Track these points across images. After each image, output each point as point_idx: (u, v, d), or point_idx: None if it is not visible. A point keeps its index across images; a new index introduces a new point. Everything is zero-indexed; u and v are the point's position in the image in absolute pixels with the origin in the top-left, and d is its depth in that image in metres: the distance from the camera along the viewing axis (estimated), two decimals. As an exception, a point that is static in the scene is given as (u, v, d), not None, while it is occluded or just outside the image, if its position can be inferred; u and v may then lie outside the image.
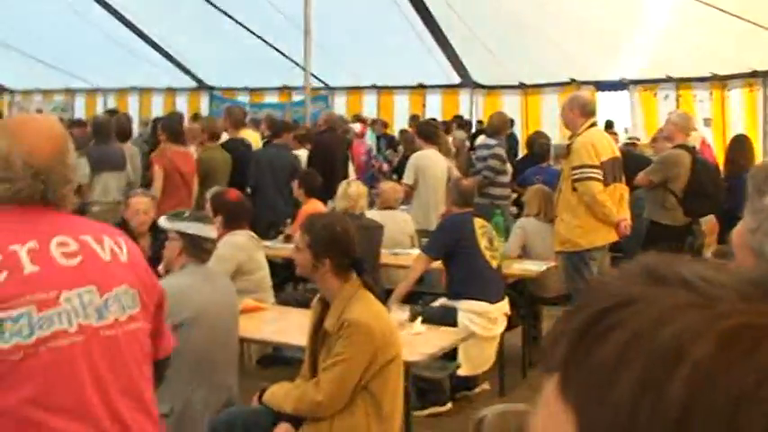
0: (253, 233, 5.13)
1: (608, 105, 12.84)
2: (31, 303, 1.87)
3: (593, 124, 5.85)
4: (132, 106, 16.49)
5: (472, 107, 14.44)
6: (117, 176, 7.33)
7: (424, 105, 14.69)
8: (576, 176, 5.58)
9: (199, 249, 3.73)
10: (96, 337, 1.97)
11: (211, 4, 13.12)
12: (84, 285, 1.97)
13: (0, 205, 2.00)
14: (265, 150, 8.36)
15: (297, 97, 14.53)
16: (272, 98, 16.01)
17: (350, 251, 3.32)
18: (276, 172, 7.60)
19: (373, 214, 6.23)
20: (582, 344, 0.50)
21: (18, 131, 2.04)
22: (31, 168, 1.97)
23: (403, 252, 6.24)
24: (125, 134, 8.33)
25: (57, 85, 17.23)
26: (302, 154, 8.46)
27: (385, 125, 13.85)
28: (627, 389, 0.47)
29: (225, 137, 8.30)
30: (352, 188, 5.92)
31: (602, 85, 12.70)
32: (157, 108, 16.08)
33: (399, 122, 13.91)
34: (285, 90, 15.61)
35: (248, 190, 7.42)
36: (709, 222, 6.69)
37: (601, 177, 5.56)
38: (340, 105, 14.70)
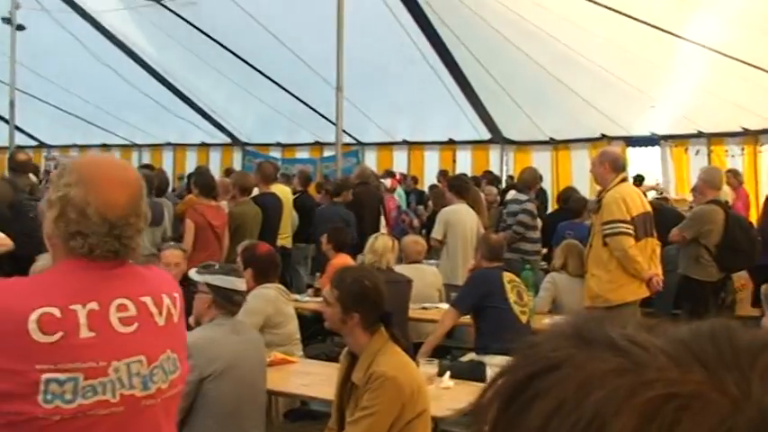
0: (282, 286, 5.15)
1: (639, 160, 12.80)
2: (80, 371, 1.84)
3: (624, 179, 5.84)
4: (167, 161, 16.77)
5: (502, 163, 14.46)
6: (153, 231, 7.44)
7: (454, 161, 14.74)
8: (606, 231, 5.55)
9: (228, 302, 3.75)
10: (136, 407, 1.93)
11: (245, 62, 13.39)
12: (135, 356, 1.93)
13: (69, 258, 1.94)
14: (326, 208, 8.64)
15: (328, 152, 14.67)
16: (303, 154, 16.18)
17: (379, 305, 3.31)
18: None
19: (402, 268, 6.22)
20: (509, 412, 0.50)
21: (93, 180, 1.92)
22: (106, 223, 1.89)
23: (431, 306, 6.22)
24: (162, 189, 8.52)
25: (93, 140, 17.57)
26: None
27: (415, 180, 13.91)
28: None
29: (256, 191, 8.38)
30: (378, 242, 5.93)
31: (632, 141, 12.67)
32: (191, 163, 16.32)
33: (429, 178, 13.96)
34: (317, 146, 15.78)
35: (278, 243, 7.48)
36: (741, 278, 6.62)
37: (632, 232, 5.53)
38: (371, 160, 14.82)
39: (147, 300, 1.99)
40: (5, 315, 1.83)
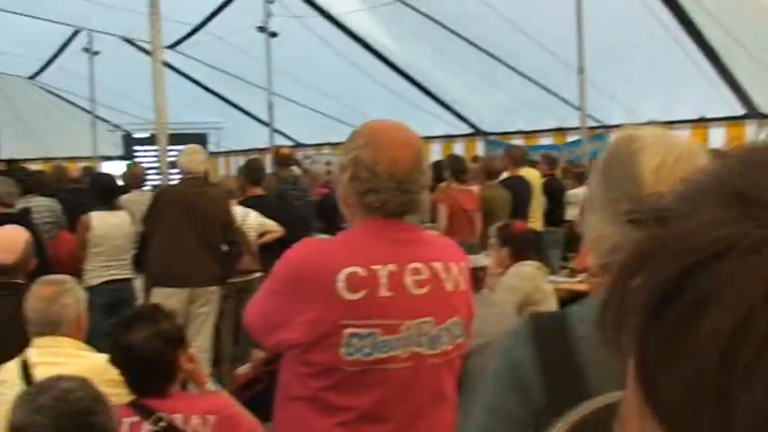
0: (540, 264, 5.11)
1: None
2: (378, 326, 1.95)
3: None
4: (411, 154, 17.18)
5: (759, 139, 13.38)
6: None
7: (705, 139, 13.88)
8: None
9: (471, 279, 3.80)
10: (424, 366, 2.02)
11: (484, 51, 13.43)
12: (425, 316, 2.01)
13: (366, 216, 2.07)
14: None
15: (571, 137, 14.35)
16: (546, 140, 15.95)
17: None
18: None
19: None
20: (662, 326, 0.34)
21: (379, 141, 2.05)
22: (394, 179, 2.00)
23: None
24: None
25: (343, 138, 18.39)
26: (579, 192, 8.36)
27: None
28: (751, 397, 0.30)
29: (505, 175, 8.40)
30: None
31: None
32: (435, 155, 16.63)
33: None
34: (559, 131, 15.49)
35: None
36: None
37: None
38: (617, 143, 14.27)
39: (438, 265, 2.07)
40: (318, 272, 1.97)
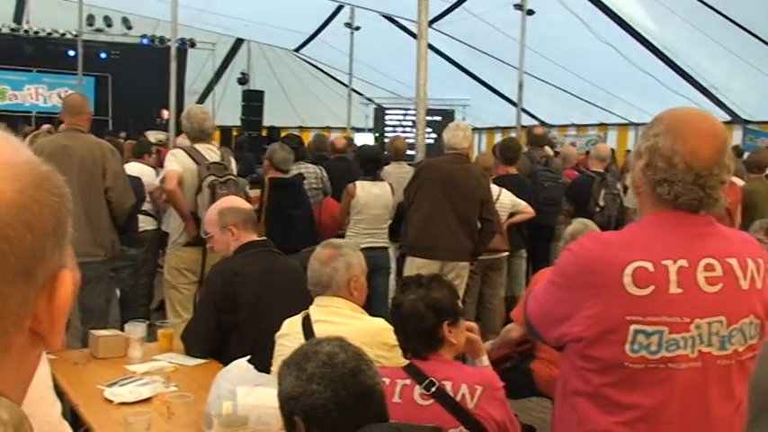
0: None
1: None
2: (666, 324, 1.89)
3: None
4: (662, 139, 16.42)
5: None
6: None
7: None
8: None
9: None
10: (713, 366, 1.94)
11: (750, 33, 12.50)
12: (716, 315, 1.93)
13: (657, 208, 2.00)
14: None
15: None
16: (815, 130, 14.64)
17: None
18: None
19: None
20: None
21: (681, 129, 1.96)
22: (691, 171, 1.92)
23: None
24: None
25: (589, 119, 17.95)
26: None
27: None
28: None
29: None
30: None
31: None
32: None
33: None
34: (832, 121, 14.16)
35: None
36: None
37: None
38: None
39: (733, 261, 1.96)
40: (605, 266, 1.93)
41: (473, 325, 3.01)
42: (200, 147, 5.67)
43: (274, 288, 3.83)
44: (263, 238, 4.18)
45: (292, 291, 3.83)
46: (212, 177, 5.50)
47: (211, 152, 5.69)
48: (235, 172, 5.88)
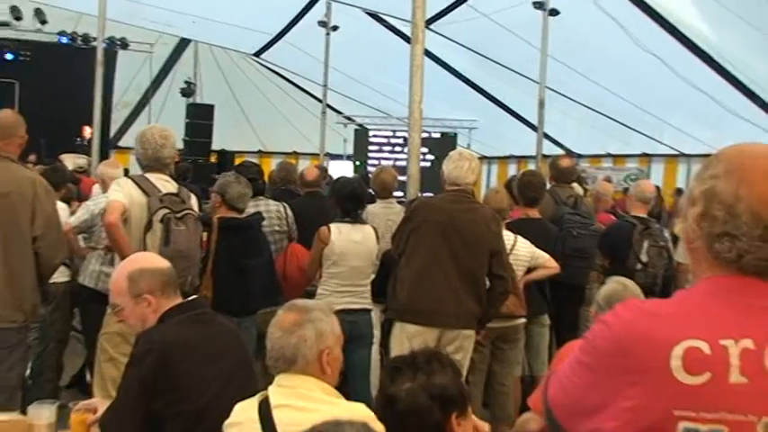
0: None
1: None
2: (725, 422, 1.85)
3: None
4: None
5: None
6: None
7: None
8: None
9: None
10: None
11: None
12: None
13: (715, 270, 1.98)
14: None
15: None
16: None
17: None
18: None
19: None
20: None
21: (747, 170, 1.92)
22: (759, 223, 1.89)
23: None
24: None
25: (629, 149, 18.05)
26: None
27: None
28: None
29: None
30: None
31: None
32: None
33: None
34: None
35: None
36: None
37: None
38: None
39: None
40: (647, 344, 1.90)
41: (483, 427, 3.00)
42: (152, 177, 5.69)
43: (220, 362, 3.79)
44: (194, 297, 4.17)
45: (237, 364, 3.81)
46: (166, 210, 5.50)
47: (166, 183, 5.71)
48: (195, 207, 5.89)
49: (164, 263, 4.10)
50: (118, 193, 5.55)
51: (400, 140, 19.50)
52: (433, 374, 2.82)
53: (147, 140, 5.76)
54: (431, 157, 18.06)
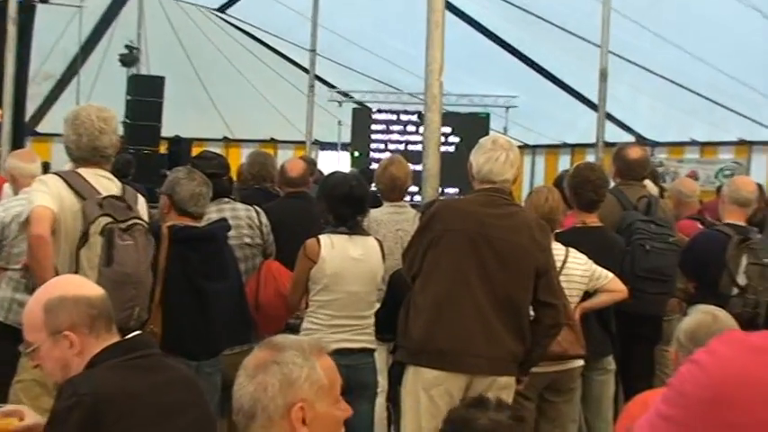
0: None
1: None
2: None
3: None
4: None
5: None
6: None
7: None
8: None
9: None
10: None
11: None
12: None
13: None
14: None
15: None
16: None
17: None
18: None
19: None
20: None
21: None
22: None
23: None
24: None
25: (725, 135, 18.00)
26: None
27: None
28: None
29: None
30: None
31: None
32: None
33: None
34: None
35: None
36: None
37: None
38: None
39: None
40: (755, 389, 1.92)
41: None
42: (86, 173, 5.69)
43: (172, 421, 3.80)
44: (137, 333, 4.16)
45: (195, 423, 3.85)
46: (107, 219, 5.49)
47: (106, 182, 5.73)
48: (145, 215, 5.92)
49: (94, 290, 4.05)
50: (44, 196, 5.53)
51: (413, 118, 19.32)
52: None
53: (82, 123, 5.75)
54: (455, 139, 18.02)
